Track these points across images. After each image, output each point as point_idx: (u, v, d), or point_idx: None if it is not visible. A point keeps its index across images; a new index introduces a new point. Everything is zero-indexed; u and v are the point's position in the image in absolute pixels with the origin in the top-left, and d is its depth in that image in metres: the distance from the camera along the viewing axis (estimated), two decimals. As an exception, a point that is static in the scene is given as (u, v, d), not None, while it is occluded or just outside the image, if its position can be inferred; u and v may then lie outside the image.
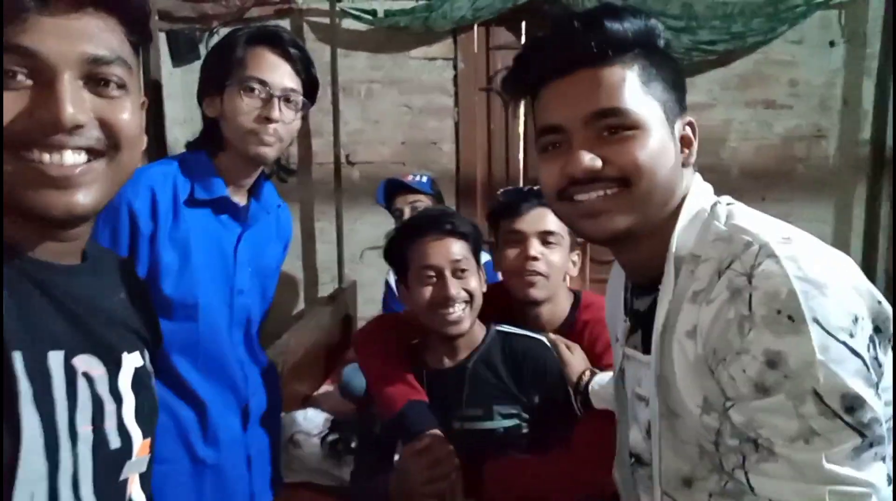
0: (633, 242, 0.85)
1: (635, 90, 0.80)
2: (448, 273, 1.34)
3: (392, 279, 2.45)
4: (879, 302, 0.73)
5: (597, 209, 0.81)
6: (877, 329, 0.72)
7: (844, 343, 0.68)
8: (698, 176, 0.88)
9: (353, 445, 1.88)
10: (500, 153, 3.27)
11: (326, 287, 3.25)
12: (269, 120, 1.23)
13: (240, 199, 1.34)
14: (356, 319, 3.22)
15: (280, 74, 1.25)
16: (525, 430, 1.36)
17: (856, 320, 0.69)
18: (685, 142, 0.85)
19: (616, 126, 0.80)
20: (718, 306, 0.73)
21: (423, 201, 2.30)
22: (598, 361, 1.38)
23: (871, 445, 0.68)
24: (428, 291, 1.35)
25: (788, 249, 0.72)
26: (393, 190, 2.35)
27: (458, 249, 1.37)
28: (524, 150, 3.29)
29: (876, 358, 0.71)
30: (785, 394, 0.68)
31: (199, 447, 1.29)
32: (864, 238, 3.06)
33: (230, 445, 1.34)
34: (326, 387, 2.46)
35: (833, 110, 3.09)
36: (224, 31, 2.41)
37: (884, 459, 0.70)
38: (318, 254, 3.25)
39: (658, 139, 0.80)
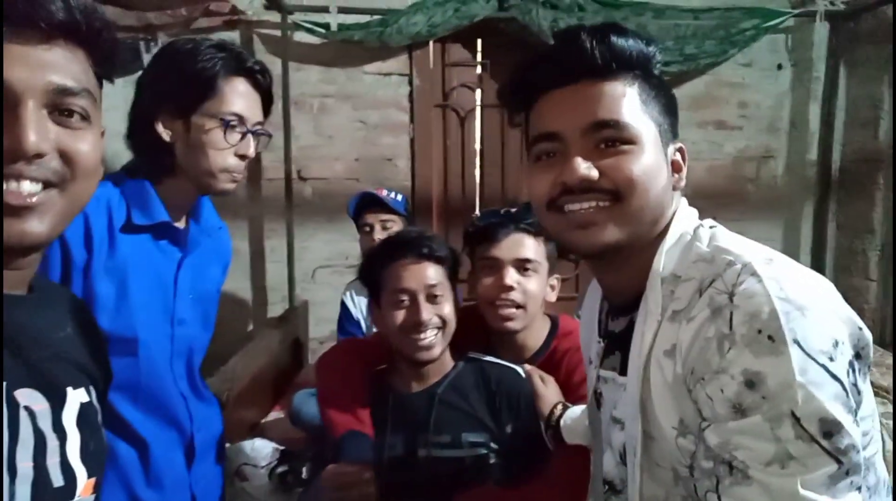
0: (619, 259, 0.84)
1: (635, 107, 0.81)
2: (422, 298, 1.32)
3: (348, 299, 2.37)
4: (860, 328, 0.73)
5: (588, 220, 0.80)
6: (857, 355, 0.71)
7: (824, 366, 0.67)
8: (685, 201, 0.88)
9: (304, 476, 1.79)
10: (456, 170, 3.23)
11: (276, 308, 3.14)
12: (244, 157, 1.20)
13: (179, 222, 1.26)
14: (308, 341, 3.11)
15: (253, 107, 1.22)
16: (493, 460, 1.32)
17: (836, 344, 0.68)
18: (675, 166, 0.86)
19: (614, 139, 0.79)
20: (699, 324, 0.72)
21: (395, 222, 2.24)
22: (575, 390, 1.35)
23: (847, 473, 0.67)
24: (400, 314, 1.33)
25: (771, 269, 0.71)
26: (365, 204, 2.28)
27: (433, 273, 1.34)
28: (481, 167, 3.26)
29: (855, 384, 0.70)
30: (762, 416, 0.67)
31: (141, 488, 1.21)
32: (812, 256, 3.13)
33: (174, 486, 1.26)
34: (275, 414, 2.35)
35: (781, 131, 3.16)
36: (166, 40, 2.31)
37: (859, 489, 0.69)
38: (267, 273, 3.14)
39: (652, 158, 0.81)
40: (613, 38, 0.81)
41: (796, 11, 2.98)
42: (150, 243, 1.21)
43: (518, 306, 1.37)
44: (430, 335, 1.32)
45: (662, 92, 0.85)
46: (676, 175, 0.86)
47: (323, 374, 1.45)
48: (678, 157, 0.86)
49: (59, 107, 0.64)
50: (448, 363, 1.40)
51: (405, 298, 1.32)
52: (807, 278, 0.73)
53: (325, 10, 2.94)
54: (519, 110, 0.89)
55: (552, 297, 1.45)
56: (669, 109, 0.86)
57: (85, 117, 0.66)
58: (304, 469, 1.82)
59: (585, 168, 0.78)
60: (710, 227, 0.84)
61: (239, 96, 1.19)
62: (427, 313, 1.31)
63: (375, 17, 2.96)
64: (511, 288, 1.36)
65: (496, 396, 1.35)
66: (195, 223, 1.30)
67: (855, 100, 2.98)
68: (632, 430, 0.82)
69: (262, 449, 1.89)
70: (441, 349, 1.34)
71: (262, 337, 2.56)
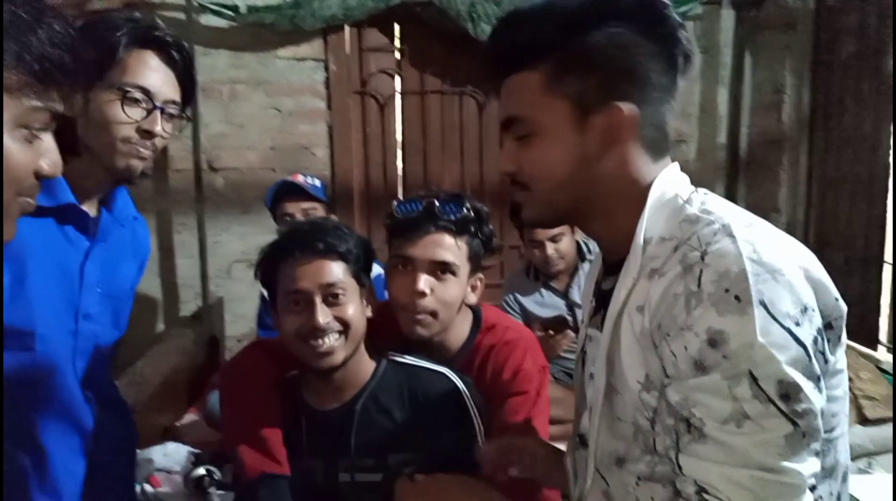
0: (592, 221, 0.87)
1: (535, 95, 0.81)
2: (318, 299, 1.15)
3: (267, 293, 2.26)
4: (836, 299, 0.73)
5: (518, 200, 0.88)
6: (828, 326, 0.72)
7: (788, 330, 0.66)
8: (675, 164, 0.85)
9: (221, 479, 1.69)
10: (376, 159, 3.16)
11: (189, 306, 2.98)
12: (149, 133, 1.09)
13: (89, 208, 1.15)
14: (224, 339, 2.97)
15: (163, 82, 1.11)
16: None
17: (805, 309, 0.68)
18: (608, 137, 0.80)
19: (520, 132, 0.83)
20: (669, 280, 0.72)
21: (317, 209, 2.15)
22: (506, 388, 1.26)
23: (804, 436, 0.67)
24: (295, 319, 1.16)
25: (748, 232, 0.71)
26: (283, 193, 2.16)
27: (332, 271, 1.17)
28: (402, 156, 3.20)
29: (822, 353, 0.70)
30: (721, 374, 0.67)
31: (36, 497, 1.10)
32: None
33: (75, 496, 1.15)
34: (190, 416, 2.22)
35: (692, 117, 3.26)
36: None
37: (817, 454, 0.69)
38: (178, 269, 2.97)
39: (557, 142, 0.81)
40: (502, 37, 0.83)
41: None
42: (54, 227, 1.10)
43: (431, 314, 1.24)
44: (328, 341, 1.16)
45: (590, 56, 0.79)
46: (613, 147, 0.80)
47: (227, 394, 1.28)
48: (613, 120, 0.79)
49: None
50: (365, 369, 1.24)
51: (300, 300, 1.16)
52: (785, 245, 0.73)
53: (232, -10, 2.81)
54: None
55: (472, 299, 1.33)
56: (598, 65, 0.78)
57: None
58: (223, 471, 1.72)
59: (505, 162, 0.86)
60: (705, 193, 0.83)
61: (145, 68, 1.09)
62: (324, 316, 1.14)
63: (287, -1, 2.85)
64: (423, 294, 1.22)
65: (426, 409, 1.21)
66: (107, 212, 1.19)
67: (759, 84, 3.11)
68: (598, 383, 0.82)
69: (175, 454, 1.78)
70: (345, 354, 1.18)
71: (174, 337, 2.42)
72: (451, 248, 1.24)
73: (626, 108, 0.78)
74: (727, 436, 0.67)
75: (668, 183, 0.83)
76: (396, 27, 3.07)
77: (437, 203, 1.24)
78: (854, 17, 2.59)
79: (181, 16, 2.80)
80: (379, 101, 3.12)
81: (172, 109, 1.13)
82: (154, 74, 1.10)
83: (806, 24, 2.88)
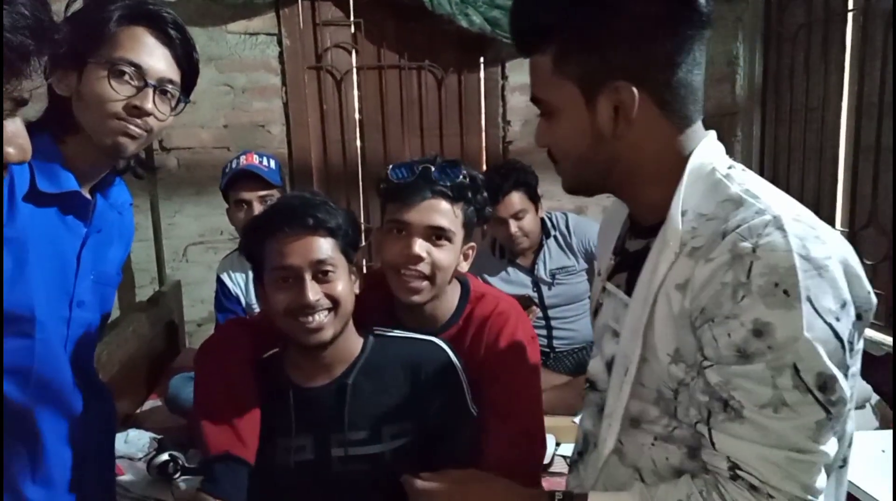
0: (619, 191, 0.90)
1: (546, 76, 0.83)
2: (308, 276, 1.14)
3: (225, 275, 2.21)
4: (868, 292, 0.77)
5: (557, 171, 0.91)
6: (858, 316, 0.75)
7: (830, 325, 0.71)
8: (712, 133, 0.86)
9: (186, 464, 1.66)
10: (335, 136, 3.11)
11: (145, 290, 2.90)
12: (139, 110, 1.05)
13: (86, 195, 1.13)
14: (183, 323, 2.90)
15: (157, 59, 1.07)
16: (416, 449, 1.20)
17: (844, 305, 0.72)
18: (621, 111, 0.79)
19: (544, 111, 0.86)
20: (717, 266, 0.73)
21: (275, 196, 2.02)
22: (503, 358, 1.25)
23: (831, 420, 0.72)
24: (284, 296, 1.15)
25: (798, 226, 0.73)
26: (238, 179, 2.05)
27: (322, 247, 1.15)
28: (361, 134, 3.15)
29: (852, 343, 0.75)
30: (765, 364, 0.71)
31: (27, 486, 1.10)
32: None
33: (65, 483, 1.15)
34: (152, 402, 2.17)
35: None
36: None
37: (837, 434, 0.76)
38: (132, 253, 2.86)
39: (569, 123, 0.83)
40: (517, 23, 0.86)
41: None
42: (56, 215, 1.08)
43: (425, 278, 1.23)
44: (318, 317, 1.15)
45: (591, 34, 0.79)
46: (623, 122, 0.79)
47: (200, 372, 1.25)
48: (623, 96, 0.78)
49: None
50: (354, 344, 1.23)
51: (288, 276, 1.15)
52: (830, 239, 0.75)
53: (178, -38, 2.70)
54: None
55: (464, 266, 1.32)
56: (601, 44, 0.78)
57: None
58: (186, 458, 1.69)
59: (538, 138, 0.90)
60: (742, 170, 0.83)
61: (137, 44, 1.06)
62: (314, 293, 1.13)
63: (237, -30, 2.76)
64: (419, 258, 1.21)
65: (418, 377, 1.21)
66: (102, 198, 1.16)
67: (713, 57, 3.14)
68: (626, 349, 0.85)
69: (137, 441, 1.75)
70: (334, 330, 1.17)
71: (131, 322, 2.34)
72: (447, 214, 1.23)
73: (627, 86, 0.78)
74: (764, 419, 0.72)
75: (706, 155, 0.83)
76: (351, 0, 3.01)
77: (433, 168, 1.23)
78: (803, -11, 2.64)
79: (125, -12, 2.68)
80: (335, 76, 3.06)
81: (168, 88, 1.08)
82: (146, 50, 1.06)
83: (757, -4, 2.93)
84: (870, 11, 2.35)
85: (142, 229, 2.82)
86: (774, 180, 2.87)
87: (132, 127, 1.05)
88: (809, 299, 0.70)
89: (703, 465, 0.79)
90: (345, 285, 1.18)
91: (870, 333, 2.37)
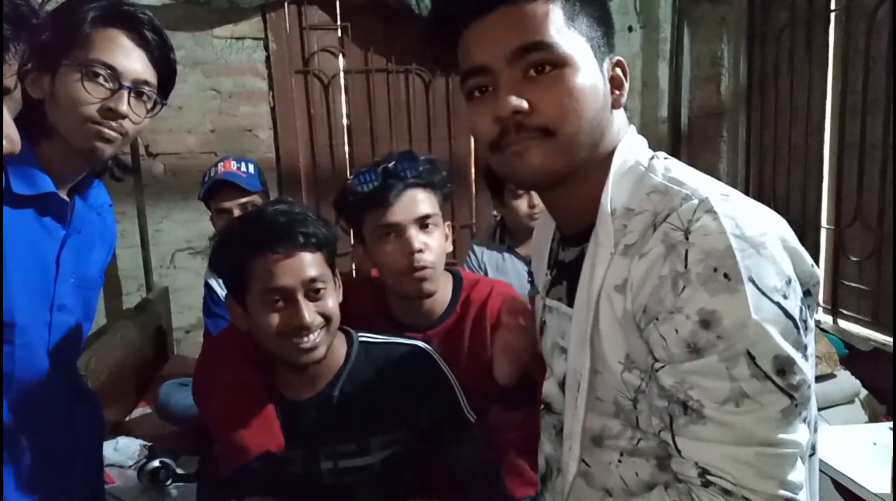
0: (565, 186, 0.80)
1: (560, 24, 0.75)
2: (300, 296, 1.09)
3: (213, 281, 2.18)
4: (811, 265, 0.73)
5: (524, 148, 0.76)
6: (807, 292, 0.72)
7: (778, 304, 0.67)
8: (633, 127, 0.83)
9: (178, 470, 1.64)
10: (323, 141, 3.09)
11: (132, 297, 2.87)
12: (113, 113, 1.03)
13: (64, 197, 1.11)
14: (172, 330, 2.87)
15: (133, 61, 1.06)
16: (404, 457, 1.19)
17: (789, 281, 0.68)
18: (615, 82, 0.79)
19: (542, 62, 0.74)
20: (652, 260, 0.70)
21: (256, 203, 2.00)
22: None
23: (796, 406, 0.68)
24: (275, 317, 1.10)
25: (727, 205, 0.69)
26: (218, 188, 2.01)
27: (312, 264, 1.11)
28: (349, 138, 3.13)
29: (805, 321, 0.70)
30: (717, 355, 0.66)
31: (10, 492, 1.07)
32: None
33: (50, 490, 1.12)
34: (141, 410, 2.15)
35: (634, 91, 3.31)
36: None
37: (806, 420, 0.70)
38: (119, 260, 2.85)
39: (586, 76, 0.75)
40: None
41: (643, -26, 3.11)
42: (33, 217, 1.06)
43: (431, 268, 1.25)
44: (313, 337, 1.11)
45: (592, 2, 0.78)
46: (617, 92, 0.79)
47: (209, 379, 1.22)
48: (618, 72, 0.79)
49: None
50: (339, 353, 1.19)
51: (280, 298, 1.10)
52: (761, 216, 0.72)
53: (164, -34, 2.69)
54: (446, 50, 0.82)
55: (449, 246, 1.34)
56: (601, 20, 0.78)
57: None
58: (178, 464, 1.67)
59: (515, 100, 0.74)
60: (664, 159, 0.80)
61: (111, 45, 1.04)
62: (310, 314, 1.09)
63: (222, -25, 2.74)
64: (421, 251, 1.22)
65: (403, 383, 1.18)
66: (81, 200, 1.14)
67: (698, 58, 3.17)
68: (575, 363, 0.80)
69: (127, 448, 1.73)
70: (327, 347, 1.13)
71: (118, 330, 2.32)
72: (426, 200, 1.26)
73: (622, 62, 0.79)
74: (727, 416, 0.67)
75: (630, 149, 0.80)
76: (338, 3, 3.00)
77: (393, 163, 1.24)
78: (786, -10, 2.67)
79: (109, -7, 2.66)
80: (322, 80, 3.05)
81: (144, 90, 1.07)
82: (121, 52, 1.04)
83: (741, -3, 2.95)
84: (852, 10, 2.38)
85: (129, 236, 2.80)
86: (760, 180, 2.91)
87: (106, 130, 1.04)
88: (752, 280, 0.65)
89: (674, 475, 0.73)
90: (334, 301, 1.15)
91: (857, 328, 2.39)
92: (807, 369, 0.68)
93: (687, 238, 0.68)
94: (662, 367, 0.70)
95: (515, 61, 0.75)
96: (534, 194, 2.11)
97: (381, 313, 1.32)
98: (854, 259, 2.42)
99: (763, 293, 0.66)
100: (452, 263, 3.16)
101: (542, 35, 0.74)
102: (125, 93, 1.04)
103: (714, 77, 3.09)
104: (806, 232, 2.63)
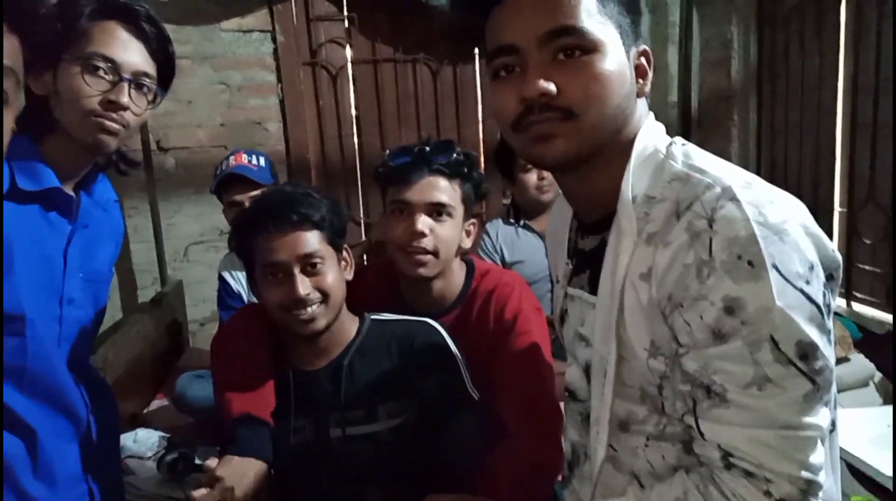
0: (585, 170, 0.81)
1: (592, 10, 0.75)
2: (297, 270, 1.18)
3: (226, 273, 2.21)
4: (833, 250, 0.74)
5: (547, 132, 0.76)
6: (829, 277, 0.72)
7: (801, 290, 0.67)
8: (652, 115, 0.83)
9: (196, 461, 1.67)
10: (332, 132, 3.10)
11: (147, 291, 2.90)
12: (114, 105, 1.05)
13: (69, 192, 1.13)
14: (186, 323, 2.90)
15: (132, 53, 1.07)
16: (410, 428, 1.22)
17: (812, 267, 0.69)
18: (640, 71, 0.80)
19: (572, 47, 0.74)
20: (676, 248, 0.71)
21: None
22: (510, 330, 1.27)
23: (818, 390, 0.69)
24: (275, 291, 1.19)
25: (750, 193, 0.70)
26: (229, 181, 2.04)
27: (308, 241, 1.19)
28: (358, 129, 3.14)
29: (828, 305, 0.71)
30: (742, 340, 0.68)
31: (27, 481, 1.08)
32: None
33: (67, 479, 1.14)
34: (158, 402, 2.18)
35: (644, 76, 3.28)
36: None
37: (827, 404, 0.71)
38: (133, 254, 2.88)
39: (614, 63, 0.75)
40: None
41: (650, -43, 3.08)
42: (38, 212, 1.08)
43: (429, 253, 1.27)
44: (310, 310, 1.19)
45: None
46: (641, 81, 0.80)
47: (220, 346, 1.31)
48: (643, 61, 0.80)
49: None
50: (349, 329, 1.27)
51: (278, 272, 1.18)
52: (783, 202, 0.72)
53: (170, -39, 2.69)
54: (476, 22, 0.83)
55: (468, 243, 1.36)
56: (631, 7, 0.79)
57: (2, 99, 0.62)
58: (196, 455, 1.69)
59: (543, 83, 0.74)
60: (682, 145, 0.80)
61: (110, 38, 1.05)
62: (304, 287, 1.17)
63: (228, -33, 2.75)
64: (422, 234, 1.25)
65: (410, 354, 1.24)
66: (87, 195, 1.16)
67: (708, 41, 3.14)
68: (601, 350, 0.81)
69: (146, 440, 1.75)
70: (327, 320, 1.21)
71: (134, 323, 2.34)
72: (445, 190, 1.28)
73: (648, 51, 0.80)
74: (750, 400, 0.68)
75: (650, 136, 0.80)
76: (344, -6, 3.00)
77: (428, 148, 1.28)
78: (796, -30, 2.64)
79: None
80: (330, 71, 3.06)
81: (144, 82, 1.08)
82: (120, 45, 1.06)
83: (750, -21, 2.92)
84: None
85: (142, 230, 2.83)
86: (772, 162, 2.89)
87: (108, 122, 1.05)
88: (776, 267, 0.66)
89: (697, 458, 0.75)
90: (334, 276, 1.21)
91: (871, 311, 2.38)
92: (829, 354, 0.69)
93: (711, 226, 0.68)
94: (686, 352, 0.72)
95: (546, 44, 0.74)
96: (537, 170, 2.13)
97: (394, 299, 1.36)
98: (867, 242, 2.40)
99: (787, 280, 0.67)
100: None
101: (574, 19, 0.74)
102: (125, 85, 1.05)
103: (724, 60, 3.06)
104: (818, 215, 2.60)
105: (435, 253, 1.27)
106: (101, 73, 1.04)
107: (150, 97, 1.11)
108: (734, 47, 3.01)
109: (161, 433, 1.80)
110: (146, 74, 1.08)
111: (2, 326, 0.99)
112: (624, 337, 0.77)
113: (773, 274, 0.66)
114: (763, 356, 0.67)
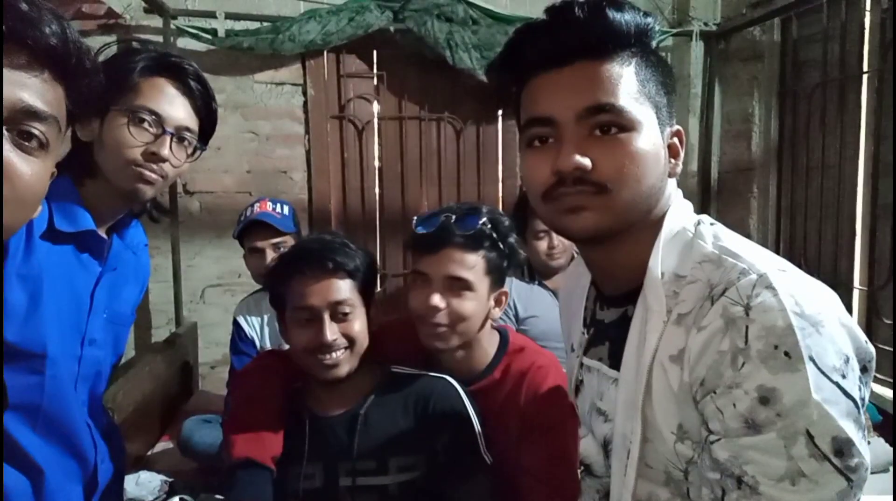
0: (613, 245, 0.80)
1: (632, 89, 0.75)
2: (326, 316, 1.21)
3: (241, 318, 2.22)
4: (865, 342, 0.72)
5: (578, 204, 0.76)
6: (863, 369, 0.71)
7: (837, 384, 0.66)
8: (680, 192, 0.84)
9: (197, 508, 1.65)
10: (354, 184, 3.15)
11: (161, 331, 2.92)
12: (155, 156, 1.09)
13: (103, 235, 1.16)
14: (197, 365, 2.90)
15: (177, 108, 1.11)
16: (421, 484, 1.21)
17: (847, 360, 0.68)
18: (672, 151, 0.80)
19: (610, 124, 0.74)
20: (710, 333, 0.69)
21: (288, 243, 2.06)
22: (544, 416, 1.23)
23: (851, 488, 0.67)
24: (304, 333, 1.22)
25: (786, 282, 0.69)
26: (252, 227, 2.09)
27: (340, 288, 1.22)
28: (380, 182, 3.20)
29: (863, 399, 0.70)
30: (776, 433, 0.66)
31: None
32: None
33: None
34: (164, 444, 2.16)
35: (665, 145, 3.32)
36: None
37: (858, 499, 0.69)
38: (151, 294, 2.91)
39: (650, 143, 0.75)
40: (609, 14, 0.75)
41: (674, 31, 3.16)
42: (72, 253, 1.10)
43: (448, 326, 1.24)
44: (335, 355, 1.21)
45: (660, 69, 0.79)
46: (673, 161, 0.80)
47: (235, 389, 1.32)
48: (675, 141, 0.80)
49: (20, 128, 0.62)
50: (369, 379, 1.28)
51: (308, 316, 1.22)
52: (818, 292, 0.71)
53: (211, 15, 2.81)
54: (509, 89, 0.84)
55: (497, 313, 1.31)
56: (668, 88, 0.79)
57: (43, 145, 0.64)
58: (198, 500, 1.67)
59: (579, 158, 0.74)
60: (711, 224, 0.80)
61: (158, 93, 1.10)
62: (332, 333, 1.20)
63: (266, 24, 2.85)
64: (437, 309, 1.22)
65: (426, 410, 1.23)
66: (119, 239, 1.19)
67: (729, 114, 3.19)
68: (623, 428, 0.79)
69: (148, 483, 1.74)
70: (349, 367, 1.23)
71: (147, 362, 2.35)
72: (465, 263, 1.23)
73: (681, 131, 0.80)
74: (782, 494, 0.66)
75: (679, 215, 0.80)
76: (375, 53, 3.10)
77: (452, 218, 1.24)
78: (817, 49, 2.69)
79: (159, 39, 2.79)
80: (357, 126, 3.13)
81: (186, 136, 1.12)
82: (166, 99, 1.10)
83: (772, 56, 2.98)
84: (886, 73, 2.38)
85: (162, 270, 2.86)
86: (791, 237, 2.88)
87: (148, 172, 1.08)
88: (812, 359, 0.65)
89: None
90: (361, 325, 1.24)
91: (890, 393, 2.32)
92: (864, 450, 0.67)
93: (747, 314, 0.67)
94: (718, 440, 0.70)
95: (584, 119, 0.75)
96: (554, 235, 2.17)
97: (422, 362, 1.34)
98: (887, 322, 2.36)
99: (823, 373, 0.66)
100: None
101: (614, 97, 0.74)
102: (168, 138, 1.09)
103: (745, 133, 3.10)
104: (838, 292, 2.57)
105: (451, 326, 1.24)
106: (146, 125, 1.08)
107: (190, 151, 1.14)
108: (755, 121, 3.06)
109: (164, 477, 1.79)
110: (188, 129, 1.12)
111: (1, 356, 0.99)
112: (650, 418, 0.76)
113: (809, 366, 0.65)
114: (798, 451, 0.65)
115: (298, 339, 1.23)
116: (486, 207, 1.31)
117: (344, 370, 1.23)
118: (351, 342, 1.22)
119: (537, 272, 2.29)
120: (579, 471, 0.94)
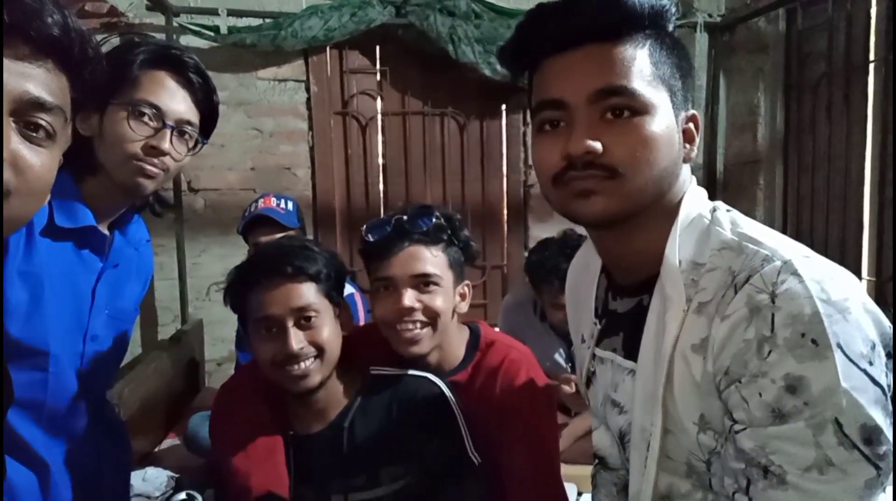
0: (626, 232, 0.78)
1: (645, 71, 0.74)
2: (290, 324, 1.13)
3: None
4: (889, 327, 0.71)
5: (588, 188, 0.74)
6: (888, 355, 0.69)
7: (865, 371, 0.65)
8: (695, 180, 0.82)
9: (203, 504, 1.65)
10: (358, 180, 3.15)
11: (168, 328, 2.93)
12: (156, 150, 1.08)
13: (101, 229, 1.15)
14: (203, 362, 2.91)
15: (177, 102, 1.10)
16: (414, 490, 1.18)
17: (873, 347, 0.67)
18: (687, 136, 0.78)
19: (622, 107, 0.73)
20: (735, 322, 0.68)
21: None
22: (520, 409, 1.22)
23: (879, 476, 0.66)
24: (268, 346, 1.14)
25: (811, 268, 0.68)
26: (256, 223, 2.09)
27: (302, 294, 1.14)
28: (384, 178, 3.19)
29: (889, 386, 0.68)
30: (804, 422, 0.65)
31: None
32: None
33: None
34: (170, 441, 2.17)
35: (670, 137, 3.30)
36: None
37: (883, 490, 0.68)
38: (156, 291, 2.92)
39: (663, 127, 0.74)
40: None
41: (679, 23, 3.14)
42: (72, 249, 1.10)
43: (424, 325, 1.22)
44: (304, 365, 1.13)
45: (676, 51, 0.77)
46: (688, 146, 0.78)
47: (224, 414, 1.25)
48: (691, 126, 0.78)
49: (27, 119, 0.62)
50: (347, 387, 1.22)
51: (271, 326, 1.14)
52: (842, 278, 0.70)
53: (213, 12, 2.81)
54: (520, 73, 0.82)
55: (464, 307, 1.29)
56: (684, 71, 0.77)
57: (50, 135, 0.64)
58: (203, 497, 1.67)
59: (591, 140, 0.72)
60: (727, 210, 0.79)
61: (158, 86, 1.09)
62: (297, 342, 1.12)
63: (268, 20, 2.85)
64: (411, 310, 1.20)
65: (411, 412, 1.19)
66: (120, 235, 1.19)
67: (734, 106, 3.17)
68: (642, 421, 0.78)
69: (154, 479, 1.74)
70: (321, 376, 1.15)
71: (153, 359, 2.36)
72: (428, 259, 1.22)
73: (696, 116, 0.79)
74: (811, 483, 0.65)
75: (695, 201, 0.79)
76: (377, 49, 3.09)
77: (405, 218, 1.23)
78: (823, 41, 2.67)
79: (161, 36, 2.78)
80: (360, 121, 3.13)
81: (187, 130, 1.11)
82: (166, 93, 1.09)
83: (777, 48, 2.96)
84: (891, 61, 2.36)
85: (167, 268, 2.87)
86: (798, 229, 2.86)
87: (148, 166, 1.08)
88: (840, 346, 0.64)
89: None
90: (330, 330, 1.16)
91: None
92: (891, 437, 0.66)
93: (773, 302, 0.66)
94: (743, 429, 0.69)
95: (595, 102, 0.73)
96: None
97: (393, 360, 1.30)
98: (896, 313, 2.35)
99: (851, 360, 0.65)
100: (482, 304, 3.16)
101: (626, 80, 0.73)
102: (168, 132, 1.08)
103: (750, 125, 3.08)
104: (845, 283, 2.56)
105: (431, 325, 1.22)
106: (146, 119, 1.07)
107: (191, 144, 1.13)
108: (761, 113, 3.03)
109: (170, 473, 1.79)
110: (189, 123, 1.11)
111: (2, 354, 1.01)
112: (671, 410, 0.75)
113: (837, 354, 0.64)
114: (826, 439, 0.64)
115: (264, 352, 1.14)
116: (434, 205, 1.30)
117: (315, 380, 1.15)
118: (320, 349, 1.14)
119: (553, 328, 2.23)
120: (593, 465, 0.93)
